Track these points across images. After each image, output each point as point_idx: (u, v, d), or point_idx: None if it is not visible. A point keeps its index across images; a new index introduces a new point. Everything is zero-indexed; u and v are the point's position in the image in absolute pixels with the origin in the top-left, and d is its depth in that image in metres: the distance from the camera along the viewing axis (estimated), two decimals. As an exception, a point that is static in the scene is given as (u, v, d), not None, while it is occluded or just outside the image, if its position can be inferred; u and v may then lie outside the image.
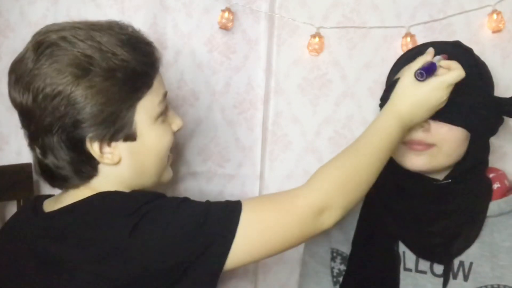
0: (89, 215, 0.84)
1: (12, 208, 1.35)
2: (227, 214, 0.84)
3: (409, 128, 0.94)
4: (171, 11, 1.30)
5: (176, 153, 1.30)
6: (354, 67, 1.30)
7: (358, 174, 0.88)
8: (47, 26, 0.87)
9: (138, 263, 0.80)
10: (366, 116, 1.30)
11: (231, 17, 1.28)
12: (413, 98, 0.91)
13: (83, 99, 0.82)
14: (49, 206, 0.91)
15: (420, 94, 0.91)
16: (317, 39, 1.28)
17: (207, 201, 0.88)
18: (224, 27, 1.29)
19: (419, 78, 0.91)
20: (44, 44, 0.83)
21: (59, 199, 0.91)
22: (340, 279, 1.12)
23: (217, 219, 0.83)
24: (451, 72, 0.91)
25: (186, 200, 0.87)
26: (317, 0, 1.28)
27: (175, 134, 0.97)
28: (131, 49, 0.86)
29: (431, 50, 0.96)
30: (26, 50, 0.85)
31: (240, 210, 0.84)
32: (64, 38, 0.83)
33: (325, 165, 0.89)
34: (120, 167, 0.89)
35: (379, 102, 1.08)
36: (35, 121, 0.85)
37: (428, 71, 0.91)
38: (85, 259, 0.81)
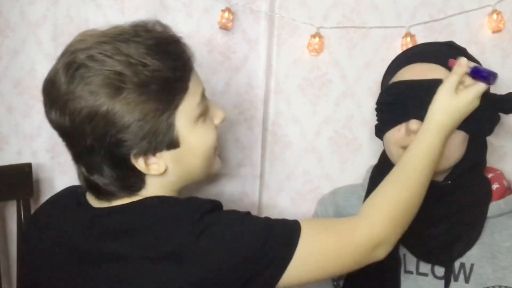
0: (148, 217, 0.85)
1: (12, 208, 1.36)
2: (286, 236, 0.84)
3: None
4: (171, 11, 1.30)
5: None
6: (354, 67, 1.30)
7: (411, 204, 0.90)
8: (73, 44, 0.85)
9: (194, 275, 0.80)
10: (366, 116, 1.30)
11: (231, 17, 1.28)
12: (455, 109, 0.93)
13: (121, 117, 0.81)
14: (95, 203, 0.90)
15: (461, 104, 0.93)
16: (317, 39, 1.28)
17: (268, 219, 0.88)
18: (224, 27, 1.29)
19: (493, 82, 0.94)
20: (73, 65, 0.82)
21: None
22: (341, 283, 1.12)
23: (277, 240, 0.83)
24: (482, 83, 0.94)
25: (247, 215, 0.88)
26: (317, 0, 1.28)
27: (219, 126, 0.96)
28: (160, 55, 0.83)
29: (464, 62, 0.95)
30: (56, 71, 0.84)
31: (300, 233, 0.85)
32: (92, 58, 0.81)
33: (380, 196, 0.91)
34: (167, 175, 0.88)
35: (377, 100, 1.08)
36: (76, 142, 0.85)
37: (481, 74, 0.94)
38: (143, 257, 0.81)
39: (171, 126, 0.85)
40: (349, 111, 1.32)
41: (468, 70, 0.94)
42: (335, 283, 1.13)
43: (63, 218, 0.92)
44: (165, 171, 0.88)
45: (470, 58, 1.02)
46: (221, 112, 0.96)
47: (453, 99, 0.93)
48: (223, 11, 1.28)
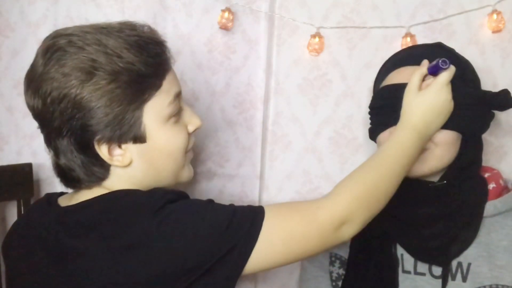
0: (111, 210, 0.85)
1: (12, 208, 1.36)
2: (250, 219, 0.85)
3: (429, 138, 0.97)
4: (171, 11, 1.30)
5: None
6: (354, 67, 1.30)
7: (378, 188, 0.90)
8: (56, 31, 0.88)
9: (158, 262, 0.80)
10: (366, 116, 1.29)
11: (231, 17, 1.28)
12: (421, 106, 0.95)
13: (88, 102, 0.83)
14: (63, 202, 0.92)
15: (427, 101, 0.95)
16: (317, 39, 1.28)
17: (231, 205, 0.88)
18: (224, 27, 1.29)
19: (444, 66, 0.94)
20: (53, 48, 0.84)
21: (73, 197, 0.92)
22: (339, 283, 1.12)
23: (240, 224, 0.84)
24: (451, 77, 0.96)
25: (210, 202, 0.88)
26: (317, 0, 1.28)
27: (194, 133, 0.97)
28: (138, 51, 0.86)
29: (425, 62, 0.99)
30: (36, 55, 0.86)
31: (263, 216, 0.85)
32: (71, 43, 0.84)
33: (346, 179, 0.91)
34: (131, 168, 0.89)
35: (369, 104, 1.08)
36: (46, 124, 0.87)
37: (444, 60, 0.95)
38: (106, 250, 0.82)
39: (138, 119, 0.86)
40: (349, 111, 1.32)
41: (427, 71, 0.97)
42: (333, 283, 1.13)
43: (37, 222, 0.93)
44: (130, 164, 0.88)
45: (459, 58, 1.03)
46: (197, 120, 0.96)
47: (417, 96, 0.96)
48: (223, 11, 1.28)
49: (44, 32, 1.30)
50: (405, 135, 0.94)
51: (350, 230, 0.88)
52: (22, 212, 1.30)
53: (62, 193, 0.97)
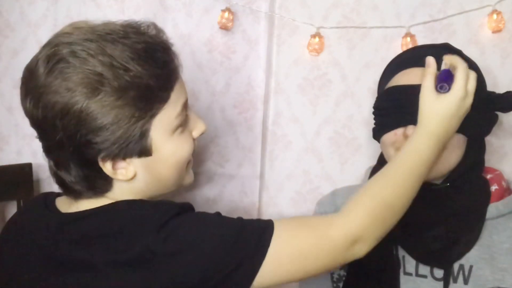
0: (115, 222, 0.83)
1: (12, 208, 1.36)
2: (258, 235, 0.82)
3: (446, 143, 0.93)
4: (171, 11, 1.30)
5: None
6: (354, 67, 1.30)
7: (395, 204, 0.87)
8: (58, 37, 0.83)
9: (163, 278, 0.78)
10: (366, 116, 1.30)
11: (231, 17, 1.28)
12: (442, 113, 0.90)
13: (93, 119, 0.79)
14: (63, 207, 0.89)
15: (448, 108, 0.90)
16: (317, 39, 1.28)
17: (239, 218, 0.85)
18: (224, 27, 1.29)
19: (442, 91, 0.91)
20: (55, 58, 0.80)
21: (73, 203, 0.88)
22: (340, 284, 1.12)
23: (248, 240, 0.81)
24: (469, 79, 0.92)
25: (217, 216, 0.85)
26: (317, 0, 1.28)
27: (197, 138, 0.94)
28: (145, 61, 0.81)
29: (431, 60, 0.95)
30: (36, 61, 0.81)
31: (272, 231, 0.82)
32: (74, 54, 0.79)
33: (361, 194, 0.88)
34: (135, 181, 0.86)
35: (373, 104, 1.08)
36: (47, 136, 0.83)
37: (447, 79, 0.91)
38: (111, 263, 0.79)
39: (145, 134, 0.83)
40: (349, 111, 1.32)
41: (436, 71, 0.94)
42: (335, 285, 1.13)
43: (34, 226, 0.90)
44: (133, 177, 0.86)
45: (467, 60, 1.02)
46: (202, 125, 0.93)
47: (437, 101, 0.91)
48: (223, 11, 1.28)
49: (44, 32, 1.31)
50: (424, 141, 0.90)
51: (363, 249, 0.85)
52: (22, 212, 1.30)
53: (60, 194, 0.94)
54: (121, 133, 0.81)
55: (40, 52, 0.82)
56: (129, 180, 0.86)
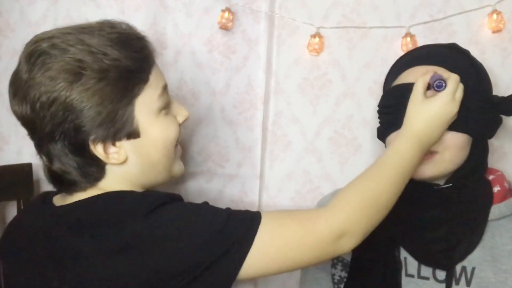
0: (104, 211, 0.85)
1: (12, 208, 1.36)
2: (245, 224, 0.84)
3: (429, 148, 0.95)
4: (171, 11, 1.30)
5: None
6: (354, 67, 1.30)
7: (379, 200, 0.89)
8: (37, 35, 0.87)
9: (151, 264, 0.80)
10: (366, 116, 1.30)
11: (231, 17, 1.28)
12: (426, 116, 0.93)
13: (79, 103, 0.83)
14: (58, 202, 0.92)
15: (433, 111, 0.93)
16: (317, 39, 1.28)
17: (227, 209, 0.88)
18: (224, 27, 1.29)
19: (438, 88, 0.93)
20: (36, 53, 0.84)
21: (68, 197, 0.91)
22: (341, 286, 1.11)
23: (234, 228, 0.83)
24: (459, 88, 0.95)
25: (205, 205, 0.88)
26: (317, 0, 1.28)
27: (182, 125, 0.97)
28: (122, 47, 0.86)
29: (429, 69, 0.98)
30: (19, 62, 0.86)
31: (259, 222, 0.84)
32: (54, 46, 0.84)
33: (346, 189, 0.90)
34: (127, 165, 0.90)
35: (378, 102, 1.08)
36: (37, 130, 0.86)
37: (440, 82, 0.94)
38: (100, 252, 0.81)
39: (130, 115, 0.87)
40: (349, 111, 1.32)
41: (429, 80, 0.96)
42: (336, 286, 1.12)
43: (33, 222, 0.93)
44: (125, 161, 0.89)
45: (473, 60, 1.03)
46: (185, 111, 0.98)
47: (423, 105, 0.94)
48: (223, 11, 1.28)
49: (44, 32, 1.31)
50: (406, 143, 0.93)
51: (350, 243, 0.86)
52: (22, 212, 1.31)
53: (58, 192, 0.96)
54: (106, 113, 0.84)
55: (22, 53, 0.87)
56: (122, 164, 0.89)
